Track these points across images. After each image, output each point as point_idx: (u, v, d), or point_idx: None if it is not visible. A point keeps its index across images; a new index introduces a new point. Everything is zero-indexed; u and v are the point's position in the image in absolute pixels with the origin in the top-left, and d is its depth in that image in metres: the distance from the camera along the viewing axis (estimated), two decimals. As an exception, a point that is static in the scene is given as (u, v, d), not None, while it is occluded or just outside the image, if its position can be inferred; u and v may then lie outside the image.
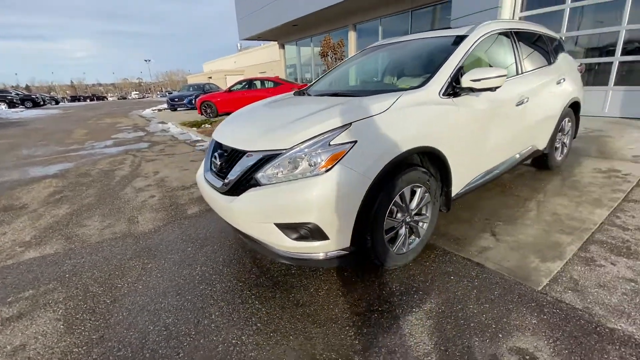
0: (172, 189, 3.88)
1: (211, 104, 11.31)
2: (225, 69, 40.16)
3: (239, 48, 48.64)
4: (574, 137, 3.74)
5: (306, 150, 1.62)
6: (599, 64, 5.86)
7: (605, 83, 5.80)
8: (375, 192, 1.69)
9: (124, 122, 12.78)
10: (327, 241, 1.65)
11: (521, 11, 6.65)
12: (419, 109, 1.88)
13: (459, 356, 1.38)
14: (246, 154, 1.78)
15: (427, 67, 2.32)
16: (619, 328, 1.46)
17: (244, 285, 1.97)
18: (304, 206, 1.58)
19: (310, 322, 1.64)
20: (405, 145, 1.75)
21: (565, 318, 1.54)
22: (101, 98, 72.15)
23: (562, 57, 3.31)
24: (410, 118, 1.83)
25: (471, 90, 2.04)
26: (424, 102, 1.92)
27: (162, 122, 11.30)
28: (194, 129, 8.56)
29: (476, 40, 2.30)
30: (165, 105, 18.50)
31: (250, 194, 1.71)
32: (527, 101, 2.59)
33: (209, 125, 8.70)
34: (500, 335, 1.47)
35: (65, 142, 8.01)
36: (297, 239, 1.66)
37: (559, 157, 3.47)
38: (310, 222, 1.59)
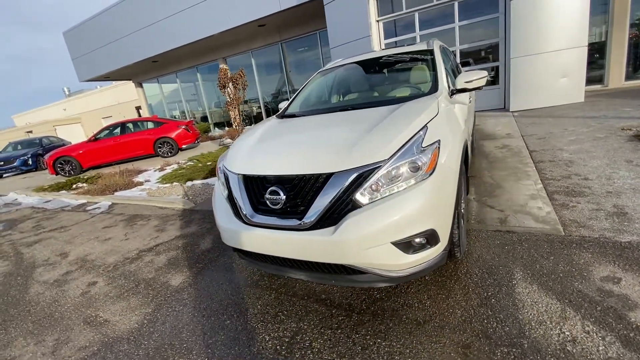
0: (113, 266, 2.89)
1: (71, 159, 8.92)
2: (53, 118, 32.36)
3: (66, 93, 40.26)
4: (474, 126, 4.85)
5: (404, 157, 1.58)
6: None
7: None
8: (459, 184, 1.79)
9: None
10: (438, 245, 1.62)
11: (385, 39, 8.18)
12: (450, 108, 2.11)
13: (580, 299, 1.60)
14: (332, 177, 1.58)
15: (421, 76, 2.63)
16: (629, 239, 2.01)
17: (347, 331, 1.69)
18: (422, 214, 1.52)
19: (449, 331, 1.57)
20: (463, 139, 1.94)
21: (600, 246, 2.00)
22: None
23: (462, 68, 4.30)
24: (452, 116, 2.03)
25: (464, 90, 2.42)
26: (447, 103, 2.16)
27: (-7, 196, 8.14)
28: (64, 191, 6.57)
29: (439, 52, 2.76)
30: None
31: (354, 219, 1.51)
32: (471, 98, 3.25)
33: (85, 184, 6.86)
34: (585, 274, 1.79)
35: None
36: (414, 252, 1.57)
37: (474, 142, 4.43)
38: (429, 228, 1.55)
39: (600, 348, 1.35)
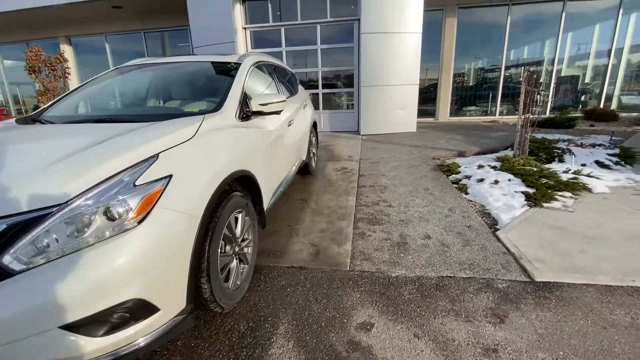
0: None
1: None
2: None
3: None
4: (317, 148, 4.92)
5: (99, 199, 1.13)
6: (312, 94, 8.02)
7: (318, 108, 8.06)
8: (206, 230, 1.46)
9: None
10: (157, 314, 1.23)
11: (252, 49, 7.90)
12: (225, 133, 1.81)
13: (328, 356, 1.46)
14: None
15: (212, 91, 2.27)
16: (398, 274, 2.09)
17: None
18: (116, 280, 1.10)
19: None
20: (225, 171, 1.63)
21: (372, 283, 2.01)
22: None
23: (300, 88, 4.27)
24: (221, 142, 1.72)
25: (260, 113, 2.20)
26: (226, 126, 1.86)
27: None
28: None
29: (249, 68, 2.50)
30: None
31: (-5, 296, 0.98)
32: (292, 122, 3.13)
33: None
34: (345, 321, 1.70)
35: None
36: (107, 333, 1.13)
37: (313, 163, 4.45)
38: (131, 298, 1.13)
39: None
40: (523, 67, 10.35)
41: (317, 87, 7.95)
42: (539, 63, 10.24)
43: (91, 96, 2.36)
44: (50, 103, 2.26)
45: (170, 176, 1.31)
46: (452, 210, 3.06)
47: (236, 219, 1.82)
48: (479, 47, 10.30)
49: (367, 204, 3.29)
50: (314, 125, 4.48)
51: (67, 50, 11.76)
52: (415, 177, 4.09)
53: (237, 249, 1.82)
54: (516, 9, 9.36)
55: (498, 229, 2.68)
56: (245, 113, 2.14)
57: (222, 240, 1.64)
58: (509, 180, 3.70)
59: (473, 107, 10.67)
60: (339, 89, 8.08)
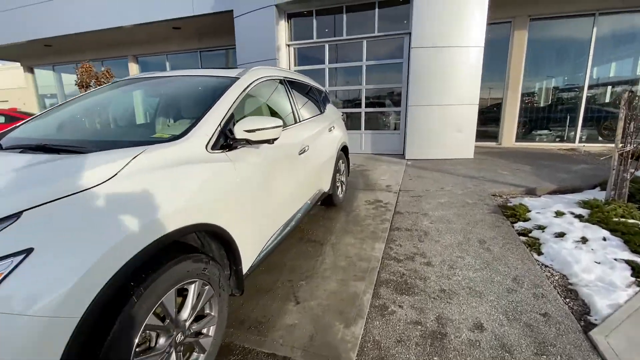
0: None
1: None
2: None
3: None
4: (348, 175, 4.28)
5: None
6: (353, 113, 7.48)
7: (359, 128, 7.45)
8: (102, 328, 0.92)
9: None
10: None
11: (295, 66, 7.65)
12: (178, 171, 1.29)
13: None
14: None
15: (192, 113, 1.80)
16: (425, 398, 1.35)
17: None
18: None
19: None
20: (160, 231, 1.10)
21: (381, 410, 1.30)
22: None
23: (330, 107, 3.72)
24: (166, 186, 1.20)
25: (248, 142, 1.67)
26: (184, 160, 1.35)
27: None
28: None
29: (249, 85, 2.01)
30: None
31: None
32: (308, 149, 2.56)
33: None
34: None
35: None
36: None
37: (340, 194, 3.81)
38: None
39: None
40: (611, 87, 8.71)
41: (359, 106, 7.37)
42: (634, 82, 8.50)
43: (69, 115, 2.05)
44: (22, 123, 2.00)
45: (27, 251, 0.81)
46: (519, 282, 2.19)
47: (184, 290, 1.28)
48: (554, 63, 8.89)
49: (398, 258, 2.55)
50: (344, 149, 3.87)
51: (134, 68, 12.89)
52: (468, 222, 3.22)
53: (181, 337, 1.26)
54: (604, 19, 7.90)
55: (593, 324, 1.78)
56: (228, 142, 1.62)
57: (148, 330, 1.11)
58: (604, 239, 2.67)
59: (545, 132, 9.15)
60: (383, 107, 7.40)
